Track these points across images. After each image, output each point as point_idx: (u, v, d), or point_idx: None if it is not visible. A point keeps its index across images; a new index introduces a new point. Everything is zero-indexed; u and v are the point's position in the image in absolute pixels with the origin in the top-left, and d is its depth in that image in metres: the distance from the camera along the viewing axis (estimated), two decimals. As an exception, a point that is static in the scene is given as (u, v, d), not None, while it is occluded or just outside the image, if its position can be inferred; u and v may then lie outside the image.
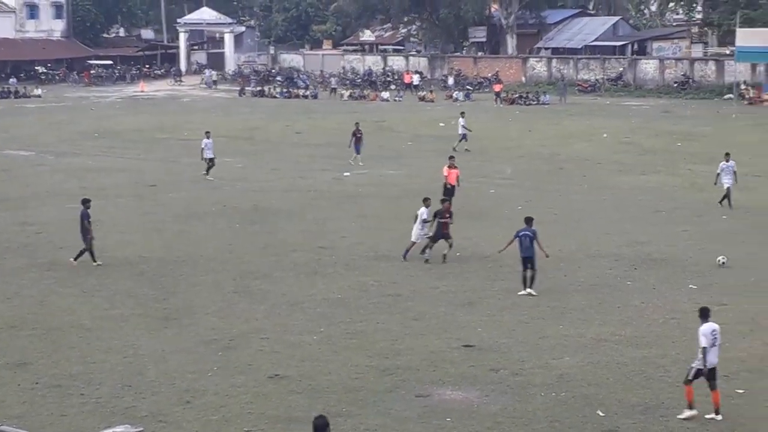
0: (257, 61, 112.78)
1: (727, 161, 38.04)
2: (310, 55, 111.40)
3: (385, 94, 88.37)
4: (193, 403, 18.57)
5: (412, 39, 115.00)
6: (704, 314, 18.22)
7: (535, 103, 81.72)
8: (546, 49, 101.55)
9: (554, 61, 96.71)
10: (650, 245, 31.61)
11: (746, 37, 78.10)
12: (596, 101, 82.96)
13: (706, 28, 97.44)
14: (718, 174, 38.14)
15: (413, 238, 29.72)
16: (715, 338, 17.98)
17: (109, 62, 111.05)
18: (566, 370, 20.36)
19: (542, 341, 22.28)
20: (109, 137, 60.45)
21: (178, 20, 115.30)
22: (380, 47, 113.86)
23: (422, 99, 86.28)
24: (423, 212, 29.64)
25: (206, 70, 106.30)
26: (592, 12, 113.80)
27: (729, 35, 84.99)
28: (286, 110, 77.85)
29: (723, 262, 28.77)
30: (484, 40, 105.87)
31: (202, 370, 20.28)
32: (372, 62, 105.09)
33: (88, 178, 44.82)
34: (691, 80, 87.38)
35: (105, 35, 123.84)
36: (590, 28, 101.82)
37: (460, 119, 53.89)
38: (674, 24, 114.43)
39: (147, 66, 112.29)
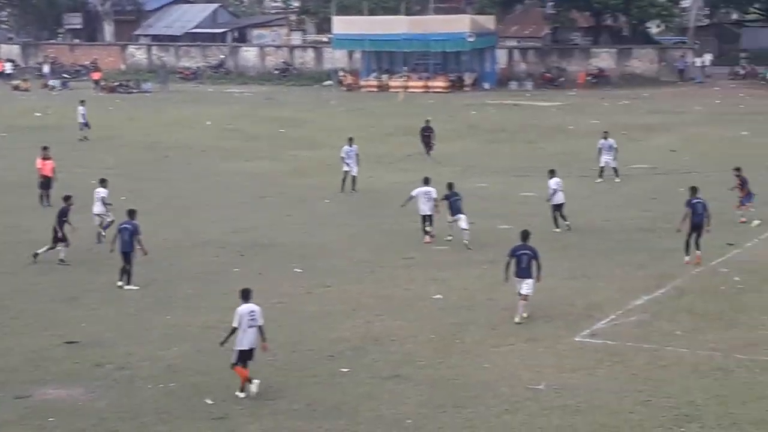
0: None
1: (606, 139, 39.89)
2: None
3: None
4: None
5: (2, 26, 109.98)
6: (244, 296, 18.57)
7: (136, 91, 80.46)
8: (145, 36, 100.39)
9: (154, 48, 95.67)
10: (256, 231, 31.85)
11: (342, 25, 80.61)
12: (199, 89, 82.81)
13: (303, 16, 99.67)
14: (599, 150, 39.88)
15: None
16: (253, 319, 18.26)
17: None
18: (174, 361, 20.09)
19: (148, 333, 21.89)
20: None
21: None
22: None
23: (16, 88, 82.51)
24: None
25: None
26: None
27: (326, 23, 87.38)
28: None
29: (758, 224, 31.42)
30: (80, 27, 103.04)
31: None
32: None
33: None
34: (291, 67, 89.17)
35: None
36: (190, 15, 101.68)
37: (80, 107, 52.57)
38: (273, 12, 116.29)
39: None
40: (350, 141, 39.01)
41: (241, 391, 18.20)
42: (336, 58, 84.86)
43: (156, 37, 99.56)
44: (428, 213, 30.13)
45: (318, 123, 58.57)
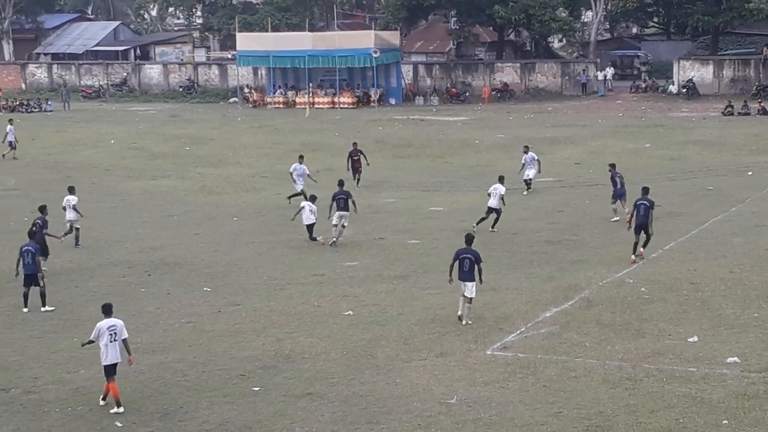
0: None
1: (526, 152, 40.50)
2: None
3: None
4: None
5: None
6: (105, 310, 18.86)
7: (37, 110, 79.25)
8: (46, 54, 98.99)
9: (55, 66, 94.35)
10: (163, 250, 31.51)
11: (246, 42, 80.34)
12: (102, 107, 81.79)
13: (206, 33, 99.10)
14: (523, 165, 40.49)
15: None
16: (114, 333, 18.48)
17: None
18: (82, 384, 19.72)
19: (55, 355, 21.47)
20: None
21: None
22: None
23: None
24: None
25: None
26: (92, 17, 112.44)
27: (230, 39, 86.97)
28: None
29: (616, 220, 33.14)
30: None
31: None
32: None
33: None
34: (196, 84, 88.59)
35: None
36: (91, 33, 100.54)
37: (9, 126, 52.49)
38: (176, 29, 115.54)
39: None
40: (300, 159, 39.08)
41: (103, 399, 18.53)
42: (242, 75, 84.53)
43: (57, 56, 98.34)
44: (311, 223, 31.71)
45: (224, 140, 58.24)
